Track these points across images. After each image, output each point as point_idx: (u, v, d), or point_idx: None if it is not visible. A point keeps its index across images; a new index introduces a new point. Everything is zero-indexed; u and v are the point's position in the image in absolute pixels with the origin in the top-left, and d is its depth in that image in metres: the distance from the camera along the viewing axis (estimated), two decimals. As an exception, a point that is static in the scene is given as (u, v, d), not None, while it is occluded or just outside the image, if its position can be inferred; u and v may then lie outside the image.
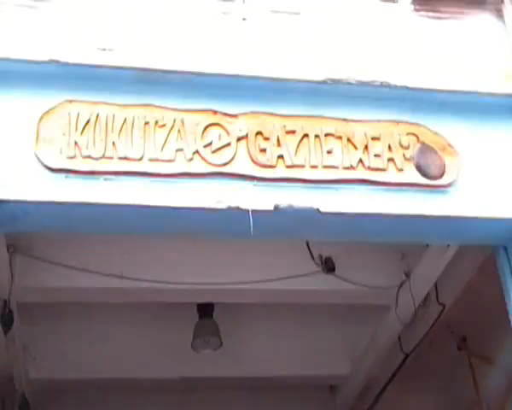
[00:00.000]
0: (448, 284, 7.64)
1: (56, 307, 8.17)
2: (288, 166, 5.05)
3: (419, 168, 5.25)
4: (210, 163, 4.96)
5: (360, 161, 5.16)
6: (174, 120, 5.00)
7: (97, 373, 9.15)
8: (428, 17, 5.78)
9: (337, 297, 8.20)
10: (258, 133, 5.09)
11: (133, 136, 4.90)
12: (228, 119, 5.09)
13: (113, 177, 4.79)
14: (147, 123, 4.95)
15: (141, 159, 4.86)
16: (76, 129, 4.83)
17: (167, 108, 5.01)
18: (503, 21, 5.87)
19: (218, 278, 7.48)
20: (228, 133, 5.06)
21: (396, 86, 5.35)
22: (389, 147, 5.24)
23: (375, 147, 5.22)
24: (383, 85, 5.34)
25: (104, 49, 5.01)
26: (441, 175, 5.26)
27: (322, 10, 5.61)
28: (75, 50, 4.97)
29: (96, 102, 4.91)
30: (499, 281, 5.59)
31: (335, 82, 5.28)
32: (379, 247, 7.60)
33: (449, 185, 5.25)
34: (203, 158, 4.96)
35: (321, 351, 9.38)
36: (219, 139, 5.03)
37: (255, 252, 7.29)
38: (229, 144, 5.03)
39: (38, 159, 4.72)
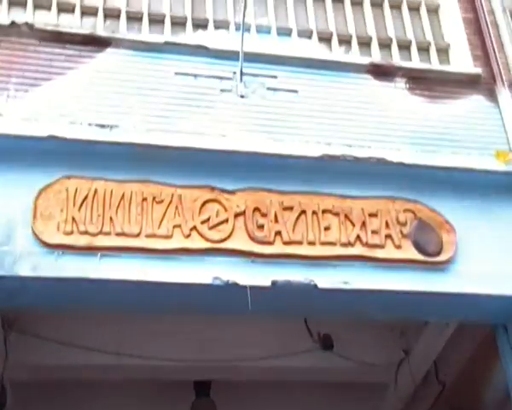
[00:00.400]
0: (448, 361, 7.54)
1: (51, 386, 8.02)
2: (285, 243, 5.06)
3: (416, 245, 5.26)
4: (207, 239, 4.97)
5: (358, 237, 5.18)
6: (172, 196, 5.03)
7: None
8: (424, 96, 5.88)
9: (335, 375, 8.08)
10: (256, 209, 5.11)
11: (131, 212, 4.93)
12: (225, 195, 5.12)
13: (110, 253, 4.79)
14: (144, 199, 4.98)
15: (138, 235, 4.87)
16: (74, 205, 4.86)
17: (165, 184, 5.05)
18: (496, 101, 5.98)
19: (215, 355, 7.38)
20: (225, 209, 5.08)
21: (392, 163, 5.41)
22: (386, 223, 5.27)
23: (373, 223, 5.24)
24: (380, 162, 5.40)
25: (102, 126, 5.07)
26: (439, 252, 5.27)
27: (319, 89, 5.71)
28: (74, 127, 5.04)
29: (93, 178, 4.96)
30: (499, 359, 5.54)
31: (332, 159, 5.33)
32: (377, 324, 7.53)
33: (446, 262, 5.25)
34: (200, 234, 4.97)
35: (320, 430, 9.20)
36: (217, 215, 5.05)
37: (252, 329, 7.21)
38: (226, 220, 5.05)
39: (36, 235, 4.73)
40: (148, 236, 4.86)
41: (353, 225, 5.20)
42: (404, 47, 6.32)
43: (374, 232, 5.20)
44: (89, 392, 8.11)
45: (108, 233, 4.82)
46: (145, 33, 5.76)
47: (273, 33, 6.04)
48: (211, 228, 4.99)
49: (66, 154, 4.95)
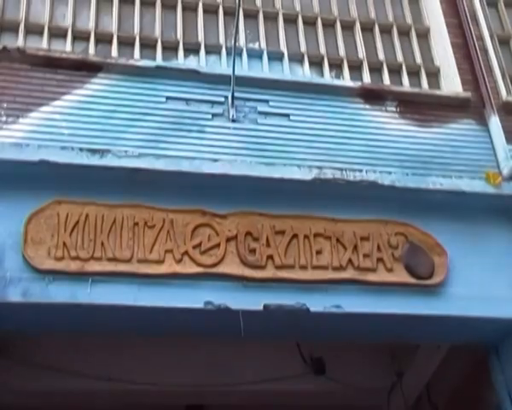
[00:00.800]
0: (440, 384, 7.53)
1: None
2: (277, 267, 5.06)
3: (408, 268, 5.27)
4: (199, 264, 4.96)
5: (349, 261, 5.18)
6: (163, 221, 5.02)
7: None
8: (414, 120, 5.92)
9: (327, 398, 8.05)
10: (248, 233, 5.11)
11: (122, 236, 4.91)
12: (217, 219, 5.12)
13: (101, 278, 4.77)
14: (136, 223, 4.97)
15: (130, 260, 4.85)
16: (65, 230, 4.84)
17: (156, 209, 5.04)
18: (486, 124, 6.02)
19: (207, 380, 7.35)
20: (217, 233, 5.07)
21: (384, 186, 5.42)
22: (378, 247, 5.28)
23: (365, 247, 5.25)
24: (371, 185, 5.41)
25: (94, 151, 5.06)
26: (430, 275, 5.28)
27: (310, 112, 5.73)
28: (65, 152, 5.03)
29: (85, 203, 4.94)
30: (491, 380, 5.54)
31: (324, 182, 5.35)
32: (370, 347, 7.52)
33: (438, 285, 5.26)
34: (192, 259, 4.96)
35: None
36: (208, 240, 5.05)
37: (244, 353, 7.19)
38: (218, 245, 5.04)
39: (26, 260, 4.70)
40: (139, 261, 4.85)
41: (345, 248, 5.21)
42: (395, 71, 6.36)
43: (365, 256, 5.21)
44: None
45: (100, 258, 4.80)
46: (137, 58, 5.77)
47: (264, 58, 6.07)
48: (202, 252, 4.98)
49: (57, 178, 4.94)
